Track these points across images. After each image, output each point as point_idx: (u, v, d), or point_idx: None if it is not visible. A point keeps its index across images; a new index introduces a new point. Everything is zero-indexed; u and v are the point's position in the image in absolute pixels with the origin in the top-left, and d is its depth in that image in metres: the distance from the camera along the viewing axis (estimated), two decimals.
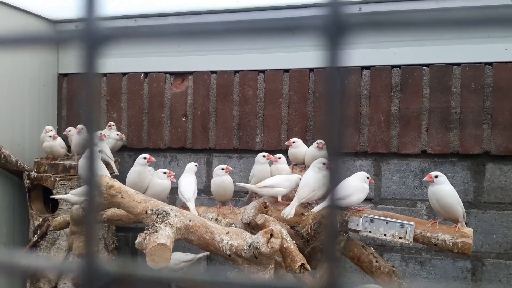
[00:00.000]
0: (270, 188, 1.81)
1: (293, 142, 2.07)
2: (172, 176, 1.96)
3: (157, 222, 1.41)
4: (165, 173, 1.93)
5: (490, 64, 2.24)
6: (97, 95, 0.41)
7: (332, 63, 0.34)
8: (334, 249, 0.36)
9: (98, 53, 0.39)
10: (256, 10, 2.52)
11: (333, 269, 0.34)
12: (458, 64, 2.28)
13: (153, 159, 2.00)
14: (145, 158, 1.96)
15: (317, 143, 1.98)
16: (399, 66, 2.35)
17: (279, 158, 1.99)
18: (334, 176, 0.35)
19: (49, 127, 2.40)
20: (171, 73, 2.69)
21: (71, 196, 1.96)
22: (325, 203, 1.71)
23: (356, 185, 1.72)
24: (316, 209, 1.70)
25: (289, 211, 1.71)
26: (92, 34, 0.38)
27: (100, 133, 2.29)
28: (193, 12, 2.60)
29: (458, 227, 1.61)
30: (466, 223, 2.21)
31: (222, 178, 1.94)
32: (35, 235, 2.31)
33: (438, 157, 2.31)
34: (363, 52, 2.38)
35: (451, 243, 1.57)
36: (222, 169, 1.94)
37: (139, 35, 0.40)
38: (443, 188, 1.66)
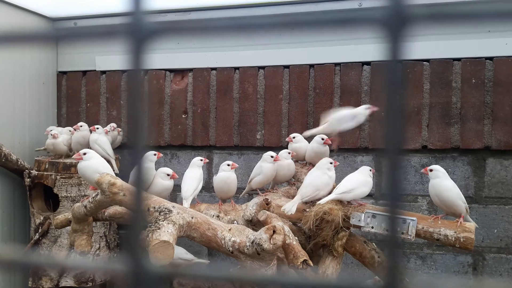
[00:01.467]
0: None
1: (294, 138, 2.07)
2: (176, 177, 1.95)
3: (159, 220, 1.41)
4: (168, 174, 1.90)
5: (490, 58, 2.24)
6: (143, 93, 0.40)
7: (393, 56, 0.34)
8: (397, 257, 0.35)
9: (144, 48, 0.38)
10: (254, 6, 2.51)
11: (395, 274, 0.33)
12: (458, 59, 2.28)
13: (161, 155, 2.00)
14: (154, 155, 1.94)
15: (322, 139, 1.96)
16: (400, 61, 2.34)
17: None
18: (394, 174, 0.34)
19: (49, 129, 2.39)
20: (170, 70, 2.68)
21: None
22: (331, 196, 1.71)
23: (360, 179, 1.72)
24: (323, 201, 1.70)
25: (290, 207, 1.71)
26: (139, 29, 0.37)
27: (97, 128, 2.31)
28: (191, 8, 2.59)
29: (460, 222, 1.61)
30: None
31: (228, 174, 1.92)
32: (37, 234, 2.31)
33: (438, 152, 2.31)
34: (363, 48, 2.38)
35: (453, 238, 1.58)
36: (228, 165, 1.92)
37: (186, 29, 0.38)
38: (443, 183, 1.66)
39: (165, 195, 1.92)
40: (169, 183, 1.90)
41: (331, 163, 1.79)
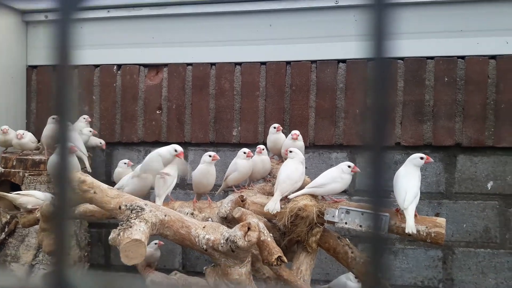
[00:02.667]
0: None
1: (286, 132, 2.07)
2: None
3: (131, 218, 1.37)
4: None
5: (462, 57, 2.29)
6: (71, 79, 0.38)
7: (379, 54, 0.33)
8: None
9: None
10: (231, 2, 2.49)
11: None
12: (432, 58, 2.32)
13: (131, 163, 1.96)
14: (125, 163, 1.90)
15: (291, 134, 1.98)
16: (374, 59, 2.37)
17: (263, 150, 1.98)
18: (378, 170, 0.33)
19: (5, 127, 2.27)
20: (145, 65, 2.63)
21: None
22: (303, 190, 1.72)
23: (333, 175, 1.73)
24: (293, 196, 1.70)
25: (273, 205, 1.70)
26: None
27: (84, 118, 2.25)
28: (167, 3, 2.55)
29: (399, 212, 1.63)
30: (437, 214, 2.27)
31: (207, 168, 1.87)
32: (3, 233, 2.23)
33: (411, 149, 2.35)
34: (339, 45, 2.39)
35: (425, 233, 1.61)
36: (210, 155, 1.88)
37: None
38: (397, 172, 1.69)
39: (145, 191, 1.88)
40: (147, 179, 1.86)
41: (291, 151, 1.81)
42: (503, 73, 2.25)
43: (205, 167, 1.87)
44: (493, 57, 2.26)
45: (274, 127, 2.09)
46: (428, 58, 2.32)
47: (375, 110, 0.33)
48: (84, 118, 2.38)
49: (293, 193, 1.80)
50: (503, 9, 2.22)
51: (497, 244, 2.28)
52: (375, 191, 0.34)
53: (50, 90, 2.73)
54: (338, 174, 1.73)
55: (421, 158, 1.68)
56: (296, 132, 1.98)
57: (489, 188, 2.28)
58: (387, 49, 0.33)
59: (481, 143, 2.26)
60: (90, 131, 2.40)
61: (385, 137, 0.34)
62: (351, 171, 1.73)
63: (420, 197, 2.32)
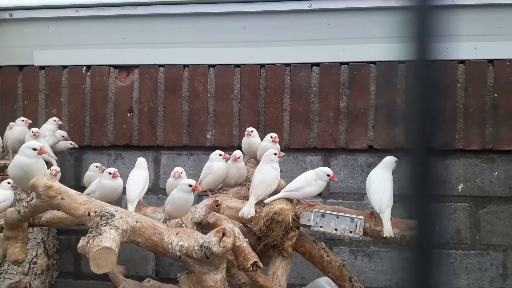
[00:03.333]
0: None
1: (252, 131, 2.04)
2: (118, 176, 1.83)
3: (101, 225, 1.32)
4: (110, 173, 1.77)
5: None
6: None
7: (423, 56, 0.30)
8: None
9: None
10: (205, 3, 2.46)
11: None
12: (403, 62, 2.35)
13: (103, 168, 1.89)
14: (97, 167, 1.84)
15: (271, 137, 1.97)
16: (347, 63, 2.39)
17: (238, 157, 1.94)
18: (423, 175, 0.31)
19: None
20: (115, 66, 2.56)
21: None
22: (279, 194, 1.70)
23: (308, 178, 1.72)
24: (268, 200, 1.68)
25: (248, 210, 1.67)
26: None
27: (32, 132, 2.09)
28: (139, 3, 2.49)
29: (373, 215, 1.65)
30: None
31: (187, 196, 1.60)
32: None
33: (384, 152, 2.37)
34: (312, 49, 2.40)
35: (399, 236, 1.62)
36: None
37: None
38: (370, 175, 1.70)
39: (115, 195, 1.82)
40: (116, 182, 1.79)
41: (275, 154, 1.77)
42: (471, 77, 2.30)
43: (184, 196, 1.59)
44: (462, 61, 2.31)
45: (251, 131, 2.06)
46: (399, 62, 2.35)
47: (422, 113, 0.31)
48: (54, 121, 2.30)
49: (268, 196, 1.78)
50: (472, 16, 2.28)
51: (468, 245, 2.33)
52: (421, 196, 0.33)
53: (16, 92, 2.61)
54: (313, 178, 1.72)
55: (396, 161, 1.69)
56: (276, 135, 1.98)
57: (460, 190, 2.33)
58: (433, 51, 0.31)
59: (451, 146, 2.31)
60: (63, 136, 2.30)
61: (435, 140, 0.32)
62: (329, 179, 1.73)
63: (394, 199, 2.36)
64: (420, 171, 0.32)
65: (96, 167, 2.10)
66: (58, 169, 1.84)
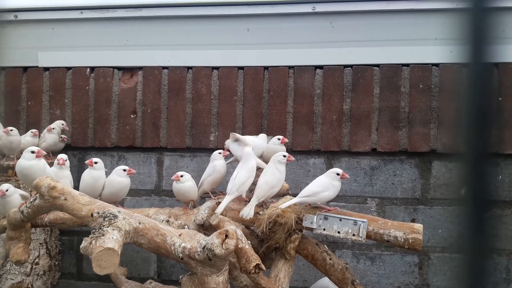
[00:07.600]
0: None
1: (181, 176, 1.90)
2: (134, 172, 1.91)
3: (103, 226, 1.32)
4: (124, 170, 1.85)
5: (436, 65, 2.33)
6: None
7: (479, 59, 0.30)
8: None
9: None
10: (208, 5, 2.46)
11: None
12: (407, 65, 2.35)
13: (133, 171, 1.91)
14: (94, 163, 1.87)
15: (278, 138, 1.98)
16: (351, 66, 2.39)
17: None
18: (481, 179, 0.30)
19: None
20: (119, 68, 2.57)
21: None
22: (295, 199, 1.68)
23: (324, 183, 1.70)
24: (285, 205, 1.67)
25: (248, 211, 1.67)
26: None
27: (32, 132, 2.17)
28: (143, 5, 2.50)
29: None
30: (413, 220, 2.29)
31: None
32: None
33: (387, 155, 2.37)
34: (316, 52, 2.40)
35: (402, 239, 1.61)
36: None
37: None
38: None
39: (123, 194, 1.87)
40: (126, 180, 1.86)
41: (284, 156, 1.76)
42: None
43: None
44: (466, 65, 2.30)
45: (279, 139, 2.00)
46: (403, 65, 2.35)
47: (476, 116, 0.31)
48: (62, 124, 2.35)
49: (271, 198, 1.78)
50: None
51: None
52: (478, 200, 0.32)
53: (19, 94, 2.63)
54: (329, 182, 1.70)
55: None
56: (283, 137, 1.99)
57: (463, 194, 2.31)
58: (488, 54, 0.31)
59: (455, 149, 2.30)
60: (61, 138, 2.36)
61: (488, 143, 0.31)
62: (340, 178, 1.71)
63: (396, 202, 2.35)
64: (478, 176, 0.32)
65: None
66: (65, 157, 1.86)
